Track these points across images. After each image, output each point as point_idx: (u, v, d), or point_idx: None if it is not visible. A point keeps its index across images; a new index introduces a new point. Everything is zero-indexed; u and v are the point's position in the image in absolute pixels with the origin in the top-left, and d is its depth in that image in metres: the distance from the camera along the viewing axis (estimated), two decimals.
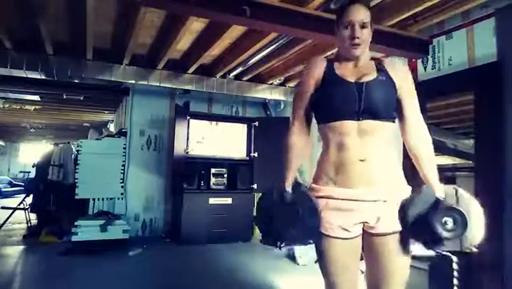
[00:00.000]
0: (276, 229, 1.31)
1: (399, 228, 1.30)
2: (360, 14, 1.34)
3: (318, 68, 1.41)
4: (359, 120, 1.31)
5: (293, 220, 1.28)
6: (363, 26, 1.34)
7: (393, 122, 1.38)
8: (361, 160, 1.30)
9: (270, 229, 1.33)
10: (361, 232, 1.35)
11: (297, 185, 1.38)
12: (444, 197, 1.26)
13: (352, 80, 1.34)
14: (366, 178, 1.30)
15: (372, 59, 1.43)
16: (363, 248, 1.38)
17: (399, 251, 1.31)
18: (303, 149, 1.44)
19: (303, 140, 1.44)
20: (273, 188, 1.38)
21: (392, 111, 1.37)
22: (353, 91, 1.31)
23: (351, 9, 1.36)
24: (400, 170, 1.40)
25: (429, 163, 1.35)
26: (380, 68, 1.39)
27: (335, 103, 1.33)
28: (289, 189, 1.36)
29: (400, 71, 1.41)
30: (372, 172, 1.30)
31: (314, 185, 1.40)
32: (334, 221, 1.32)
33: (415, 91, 1.42)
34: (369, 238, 1.35)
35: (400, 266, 1.32)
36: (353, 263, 1.36)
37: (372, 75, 1.35)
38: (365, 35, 1.35)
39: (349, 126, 1.31)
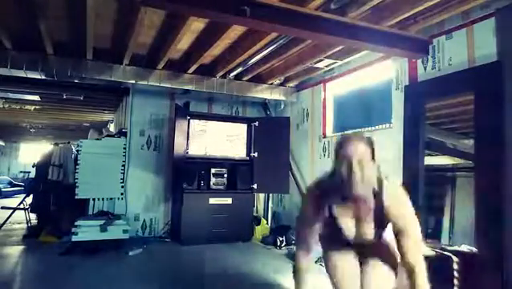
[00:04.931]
0: None
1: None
2: (357, 150, 1.29)
3: (317, 205, 1.56)
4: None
5: None
6: (360, 162, 1.28)
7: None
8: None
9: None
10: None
11: None
12: None
13: (351, 237, 1.53)
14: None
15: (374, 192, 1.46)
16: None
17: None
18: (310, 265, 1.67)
19: (309, 257, 1.65)
20: None
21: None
22: (351, 246, 1.59)
23: (347, 144, 1.32)
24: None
25: (422, 279, 1.45)
26: (378, 196, 1.43)
27: (332, 243, 1.63)
28: None
29: (394, 199, 1.46)
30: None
31: None
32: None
33: (411, 217, 1.47)
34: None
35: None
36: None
37: (372, 231, 1.51)
38: (364, 170, 1.29)
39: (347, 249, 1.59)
